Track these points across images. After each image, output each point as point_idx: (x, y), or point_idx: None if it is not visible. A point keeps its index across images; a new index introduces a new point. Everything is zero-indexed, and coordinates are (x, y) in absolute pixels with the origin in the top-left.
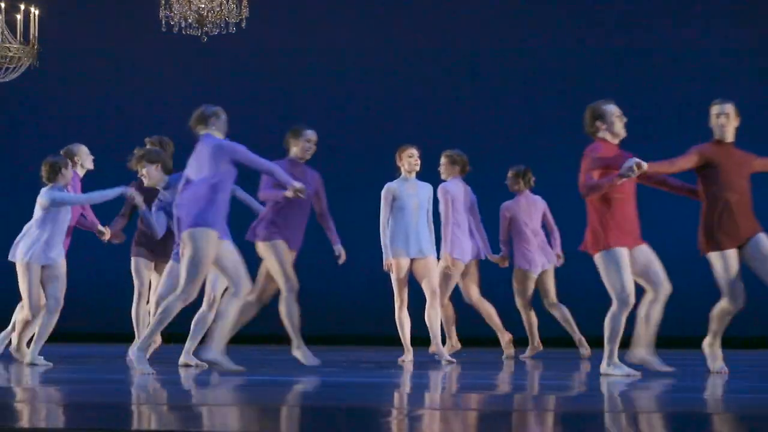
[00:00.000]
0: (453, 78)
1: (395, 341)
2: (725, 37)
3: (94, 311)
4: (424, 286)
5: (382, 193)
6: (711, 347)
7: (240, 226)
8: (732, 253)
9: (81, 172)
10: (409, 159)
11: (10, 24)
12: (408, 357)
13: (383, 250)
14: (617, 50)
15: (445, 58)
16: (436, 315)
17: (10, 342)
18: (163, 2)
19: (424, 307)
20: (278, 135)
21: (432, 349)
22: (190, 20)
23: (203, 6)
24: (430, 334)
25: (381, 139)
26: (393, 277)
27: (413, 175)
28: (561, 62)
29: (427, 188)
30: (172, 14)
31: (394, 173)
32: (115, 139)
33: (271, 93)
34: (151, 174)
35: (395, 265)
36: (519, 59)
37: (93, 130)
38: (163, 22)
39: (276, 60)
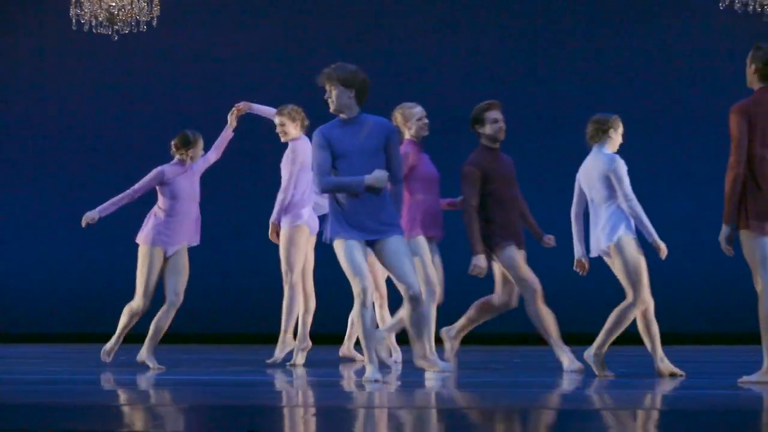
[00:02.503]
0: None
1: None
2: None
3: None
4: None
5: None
6: None
7: None
8: None
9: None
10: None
11: None
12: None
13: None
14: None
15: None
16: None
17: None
18: (73, 0)
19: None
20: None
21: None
22: (100, 19)
23: (114, 4)
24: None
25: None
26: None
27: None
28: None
29: None
30: (82, 12)
31: None
32: (23, 138)
33: (183, 92)
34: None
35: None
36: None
37: (0, 129)
38: (74, 21)
39: (187, 59)
